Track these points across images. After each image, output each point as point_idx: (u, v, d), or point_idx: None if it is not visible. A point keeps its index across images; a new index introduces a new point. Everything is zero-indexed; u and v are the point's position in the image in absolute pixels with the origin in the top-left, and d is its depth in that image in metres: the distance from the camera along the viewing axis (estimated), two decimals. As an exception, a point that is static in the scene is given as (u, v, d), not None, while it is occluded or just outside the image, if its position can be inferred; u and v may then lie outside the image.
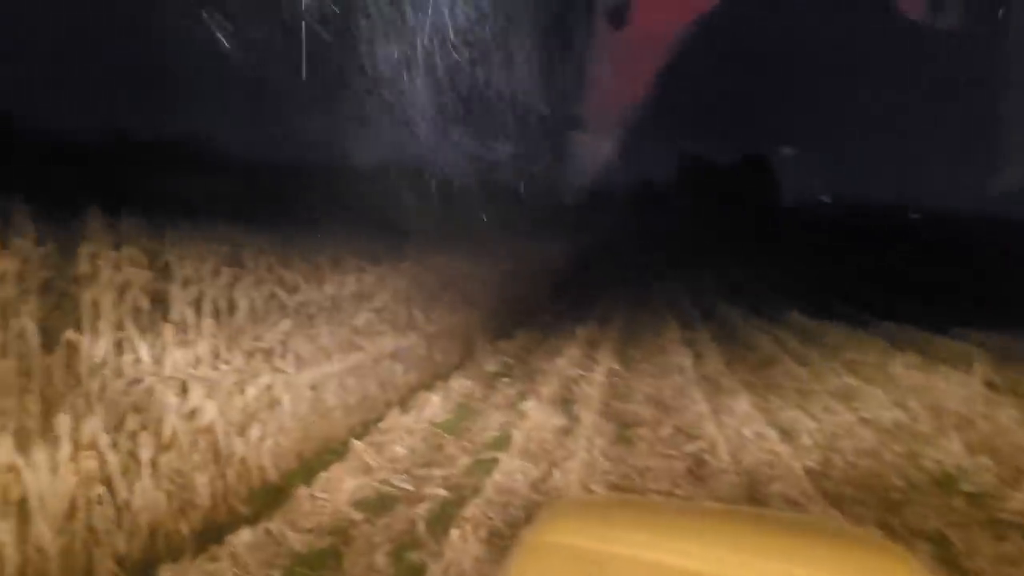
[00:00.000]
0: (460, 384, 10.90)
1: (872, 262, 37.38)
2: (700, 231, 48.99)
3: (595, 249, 35.19)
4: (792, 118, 75.65)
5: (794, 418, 10.12)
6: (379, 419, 8.56)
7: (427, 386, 10.48)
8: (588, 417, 9.41)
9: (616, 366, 13.01)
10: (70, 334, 4.54)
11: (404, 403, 9.51)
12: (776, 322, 19.13)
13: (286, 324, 7.34)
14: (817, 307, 22.39)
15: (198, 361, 5.89)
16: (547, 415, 9.52)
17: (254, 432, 6.66)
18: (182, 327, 5.73)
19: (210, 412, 5.89)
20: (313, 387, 7.88)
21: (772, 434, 9.00)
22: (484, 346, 13.53)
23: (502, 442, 8.48)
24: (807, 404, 10.98)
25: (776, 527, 2.51)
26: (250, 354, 6.73)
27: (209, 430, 5.94)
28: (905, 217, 58.27)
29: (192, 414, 5.73)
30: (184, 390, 5.68)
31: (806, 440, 9.28)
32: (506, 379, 11.86)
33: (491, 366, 12.50)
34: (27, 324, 4.30)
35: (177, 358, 5.63)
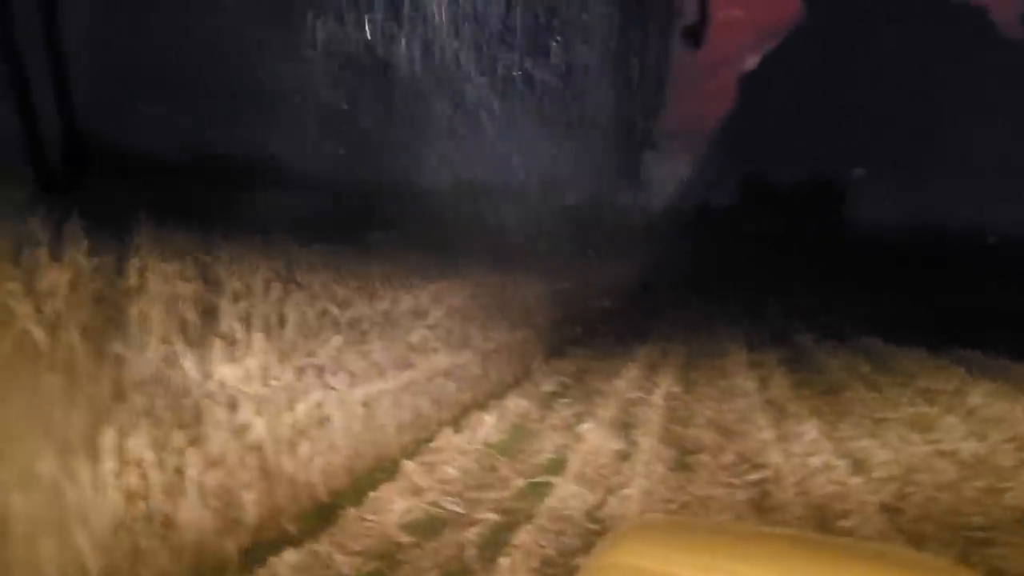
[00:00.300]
0: (516, 404, 10.70)
1: (947, 287, 36.27)
2: (767, 254, 48.19)
3: (658, 270, 34.83)
4: (864, 141, 74.30)
5: (866, 448, 9.70)
6: (431, 438, 8.41)
7: (481, 405, 10.31)
8: (647, 442, 9.14)
9: (677, 389, 12.71)
10: (118, 347, 4.48)
11: (457, 422, 9.34)
12: (846, 346, 18.57)
13: (338, 340, 7.25)
14: (889, 332, 21.74)
15: (248, 376, 5.81)
16: (604, 438, 9.28)
17: (304, 450, 6.56)
18: (231, 341, 5.66)
19: (259, 429, 5.80)
20: (365, 404, 7.77)
21: (842, 465, 8.60)
22: (541, 365, 13.34)
23: (557, 466, 8.26)
24: (880, 433, 10.54)
25: (847, 553, 2.49)
26: (301, 370, 6.64)
27: (258, 447, 5.85)
28: (982, 241, 56.61)
29: (241, 430, 5.64)
30: (233, 406, 5.59)
31: (879, 472, 8.87)
32: (563, 400, 11.64)
33: (548, 386, 12.29)
34: (75, 337, 4.24)
35: (226, 373, 5.55)
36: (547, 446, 9.02)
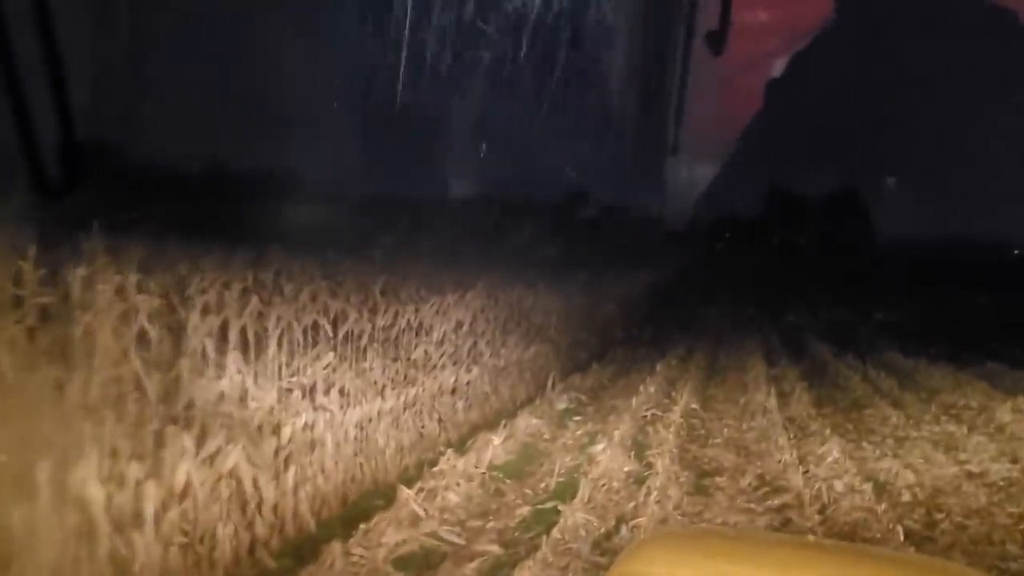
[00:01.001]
0: (527, 423, 10.11)
1: (973, 300, 35.30)
2: (791, 265, 47.42)
3: (681, 281, 34.14)
4: (891, 152, 73.16)
5: (891, 469, 9.05)
6: (434, 461, 7.84)
7: (490, 425, 9.73)
8: (662, 464, 8.52)
9: (695, 405, 12.08)
10: (57, 370, 3.96)
11: (463, 444, 8.78)
12: (869, 361, 17.85)
13: (330, 357, 6.72)
14: (913, 346, 21.00)
15: (221, 398, 5.29)
16: (618, 460, 8.68)
17: (290, 477, 6.03)
18: (200, 360, 5.15)
19: (234, 456, 5.28)
20: (360, 426, 7.24)
21: (866, 488, 7.95)
22: (556, 382, 12.75)
23: (567, 490, 7.66)
24: (905, 453, 9.88)
25: (865, 559, 2.50)
26: (286, 390, 6.12)
27: (232, 475, 5.33)
28: (1008, 253, 55.47)
29: (211, 458, 5.12)
30: (203, 431, 5.08)
31: (906, 496, 8.24)
32: (577, 418, 11.07)
33: (562, 403, 11.70)
34: (5, 358, 3.74)
35: (195, 394, 5.04)
36: (557, 468, 8.42)
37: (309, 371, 6.50)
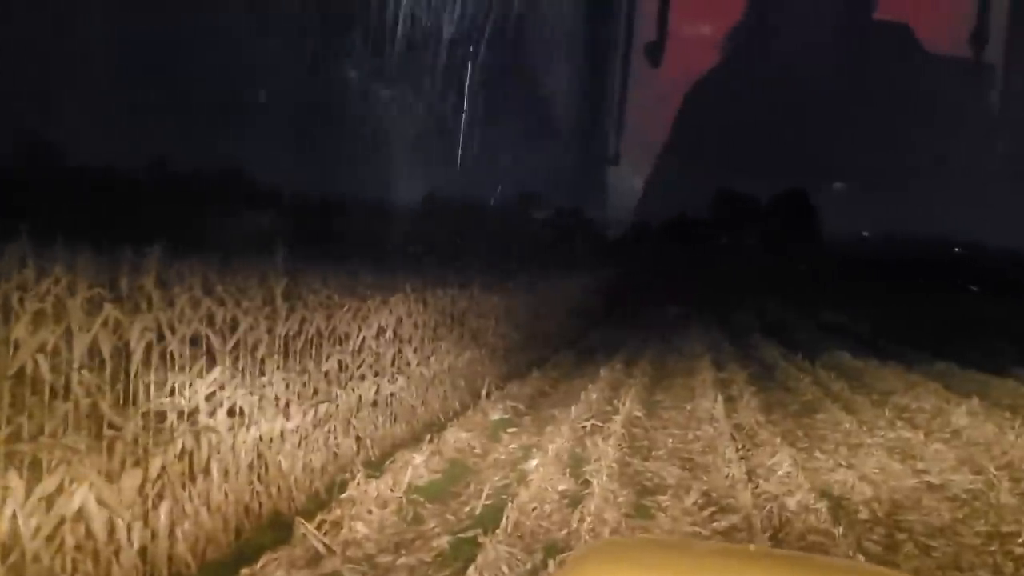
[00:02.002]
0: (456, 437, 9.24)
1: (918, 299, 35.14)
2: (737, 267, 47.16)
3: (627, 285, 33.47)
4: (832, 153, 73.59)
5: (846, 482, 8.36)
6: (344, 486, 6.94)
7: (416, 440, 8.85)
8: (600, 482, 7.72)
9: (639, 413, 11.32)
10: None
11: (381, 464, 7.90)
12: (818, 362, 17.28)
13: (216, 372, 5.80)
14: (862, 346, 20.54)
15: (62, 427, 4.37)
16: (552, 479, 7.89)
17: (162, 516, 5.11)
18: (36, 382, 4.22)
19: (79, 496, 4.36)
20: (257, 449, 6.33)
21: (821, 507, 7.20)
22: (492, 390, 11.90)
23: (492, 516, 6.82)
24: (860, 463, 9.20)
25: (813, 568, 2.41)
26: (156, 414, 5.20)
27: (79, 518, 4.41)
28: (949, 251, 55.94)
29: (47, 500, 4.20)
30: (35, 469, 4.15)
31: (863, 513, 7.54)
32: (512, 429, 10.21)
33: (497, 414, 10.83)
34: None
35: (22, 425, 4.11)
36: (486, 490, 7.57)
37: (189, 390, 5.57)
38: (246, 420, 6.24)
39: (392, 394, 9.14)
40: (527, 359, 14.66)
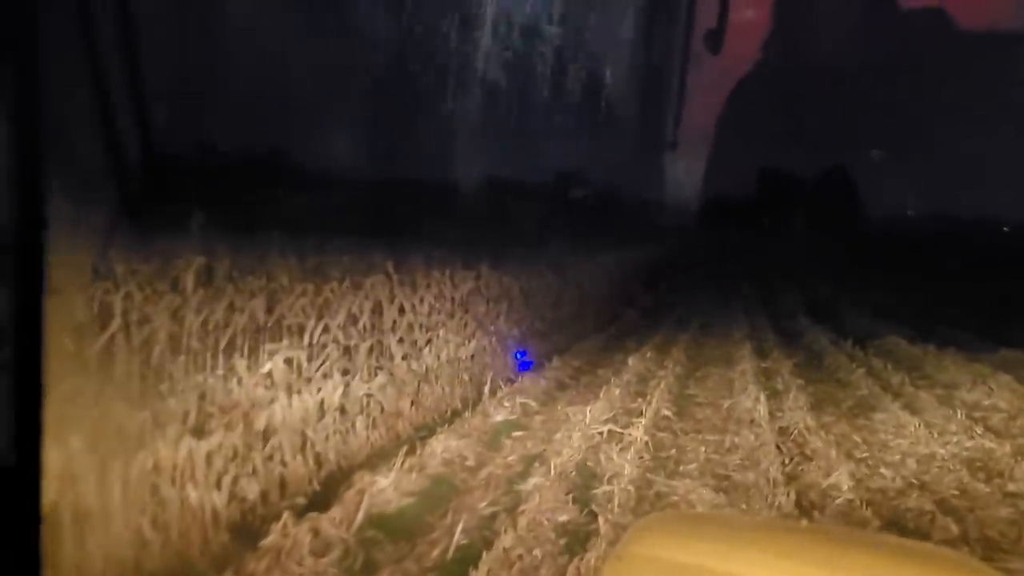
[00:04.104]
0: (445, 446, 7.52)
1: (970, 280, 32.45)
2: (783, 247, 44.88)
3: (667, 266, 31.45)
4: (878, 131, 70.47)
5: (922, 512, 6.49)
6: (282, 521, 5.26)
7: (391, 453, 7.12)
8: (610, 515, 5.96)
9: (668, 412, 9.54)
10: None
11: (350, 480, 6.20)
12: (871, 349, 15.25)
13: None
14: (916, 331, 18.29)
15: None
16: (552, 505, 6.16)
17: None
18: None
19: None
20: (153, 482, 4.67)
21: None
22: (501, 386, 10.16)
23: (469, 561, 5.11)
24: (935, 481, 7.34)
25: (868, 545, 2.48)
26: None
27: None
28: (998, 229, 52.83)
29: None
30: None
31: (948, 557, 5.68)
32: (518, 433, 8.46)
33: (502, 414, 9.09)
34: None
35: None
36: (464, 523, 5.85)
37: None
38: (136, 443, 4.58)
39: (368, 396, 7.44)
40: (547, 347, 12.88)
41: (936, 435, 8.91)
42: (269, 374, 5.98)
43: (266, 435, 5.82)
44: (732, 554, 2.00)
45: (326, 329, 6.78)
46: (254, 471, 5.65)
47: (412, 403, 8.34)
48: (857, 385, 11.90)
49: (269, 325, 6.04)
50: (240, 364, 5.63)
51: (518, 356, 11.72)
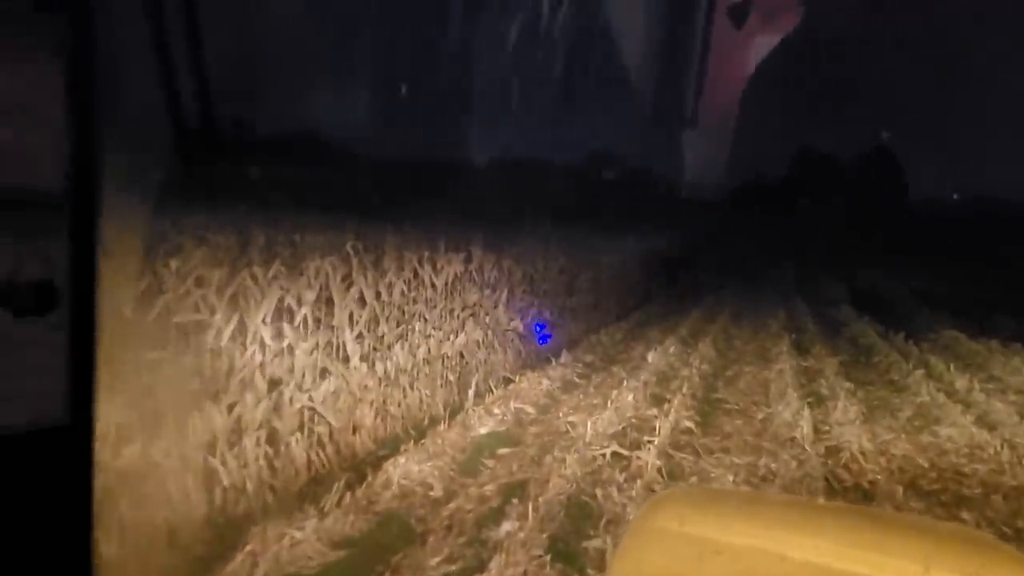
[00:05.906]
0: (404, 472, 5.97)
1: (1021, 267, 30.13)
2: (821, 230, 42.74)
3: (699, 250, 29.54)
4: (917, 111, 67.55)
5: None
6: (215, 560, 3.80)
7: (320, 489, 5.56)
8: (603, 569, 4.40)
9: (691, 423, 7.91)
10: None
11: (315, 493, 4.69)
12: (926, 343, 13.46)
13: None
14: (972, 323, 16.32)
15: None
16: (522, 569, 4.59)
17: None
18: None
19: None
20: None
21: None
22: (490, 389, 8.58)
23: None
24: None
25: (889, 523, 2.22)
26: None
27: None
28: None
29: None
30: None
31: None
32: (503, 451, 6.88)
33: (487, 425, 7.48)
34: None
35: None
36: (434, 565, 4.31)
37: None
38: None
39: (309, 410, 5.88)
40: (556, 339, 11.26)
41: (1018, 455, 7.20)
42: (149, 389, 4.45)
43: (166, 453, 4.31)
44: (752, 529, 1.76)
45: (242, 327, 5.24)
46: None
47: (377, 414, 6.79)
48: (915, 390, 10.13)
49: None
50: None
51: (537, 329, 10.39)
